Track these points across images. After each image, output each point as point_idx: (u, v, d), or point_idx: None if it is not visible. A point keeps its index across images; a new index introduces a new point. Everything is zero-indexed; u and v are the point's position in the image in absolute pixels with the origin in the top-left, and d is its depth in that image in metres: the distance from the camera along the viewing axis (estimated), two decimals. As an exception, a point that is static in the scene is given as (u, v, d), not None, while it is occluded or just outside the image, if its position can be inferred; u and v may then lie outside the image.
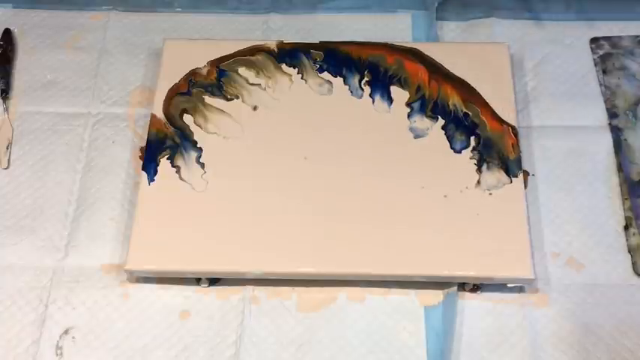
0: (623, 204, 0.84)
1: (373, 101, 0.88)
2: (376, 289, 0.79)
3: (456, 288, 0.79)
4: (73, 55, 0.96)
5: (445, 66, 0.89)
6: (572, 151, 0.87)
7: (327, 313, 0.78)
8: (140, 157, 0.87)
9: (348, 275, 0.79)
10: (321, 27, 0.98)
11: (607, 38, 0.95)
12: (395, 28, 0.98)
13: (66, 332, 0.78)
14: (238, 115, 0.87)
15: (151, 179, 0.82)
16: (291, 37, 0.95)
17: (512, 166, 0.82)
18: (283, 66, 0.90)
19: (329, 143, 0.84)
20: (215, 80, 0.89)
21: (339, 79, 0.89)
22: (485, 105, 0.86)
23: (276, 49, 0.92)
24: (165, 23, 0.99)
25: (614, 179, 0.85)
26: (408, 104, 0.87)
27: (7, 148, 0.89)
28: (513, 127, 0.85)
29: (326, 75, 0.90)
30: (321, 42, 0.92)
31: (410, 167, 0.83)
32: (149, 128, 0.86)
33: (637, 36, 0.95)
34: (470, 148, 0.84)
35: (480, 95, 0.87)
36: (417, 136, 0.85)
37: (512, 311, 0.78)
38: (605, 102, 0.91)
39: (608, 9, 0.97)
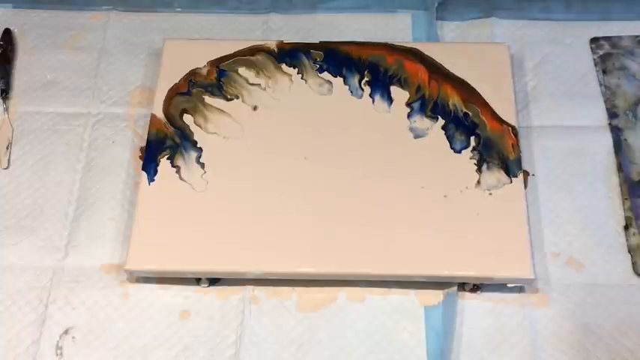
0: (623, 204, 0.84)
1: (373, 101, 0.88)
2: (376, 289, 0.79)
3: (456, 288, 0.79)
4: (73, 55, 0.96)
5: (445, 66, 0.89)
6: (572, 151, 0.87)
7: (327, 313, 0.78)
8: (140, 157, 0.87)
9: (348, 275, 0.79)
10: (321, 27, 0.98)
11: (607, 38, 0.95)
12: (395, 28, 0.98)
13: (66, 332, 0.78)
14: (238, 115, 0.87)
15: (150, 179, 0.82)
16: (291, 37, 0.95)
17: (512, 166, 0.82)
18: (283, 66, 0.90)
19: (329, 143, 0.85)
20: (215, 80, 0.89)
21: (339, 79, 0.89)
22: (485, 105, 0.86)
23: (276, 49, 0.92)
24: (165, 23, 0.99)
25: (614, 179, 0.85)
26: (408, 104, 0.87)
27: (7, 148, 0.89)
28: (513, 127, 0.85)
29: (326, 75, 0.90)
30: (321, 42, 0.92)
31: (410, 167, 0.83)
32: (149, 128, 0.86)
33: (637, 36, 0.95)
34: (470, 148, 0.84)
35: (480, 95, 0.87)
36: (417, 136, 0.85)
37: (512, 311, 0.78)
38: (605, 102, 0.91)
39: (608, 9, 0.97)
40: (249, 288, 0.80)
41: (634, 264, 0.80)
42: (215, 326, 0.78)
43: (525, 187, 0.82)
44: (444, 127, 0.85)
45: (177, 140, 0.85)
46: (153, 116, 0.87)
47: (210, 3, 1.00)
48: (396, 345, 0.76)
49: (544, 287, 0.79)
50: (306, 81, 0.89)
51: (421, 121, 0.86)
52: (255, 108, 0.87)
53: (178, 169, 0.83)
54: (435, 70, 0.89)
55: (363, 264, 0.77)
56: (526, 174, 0.85)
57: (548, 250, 0.81)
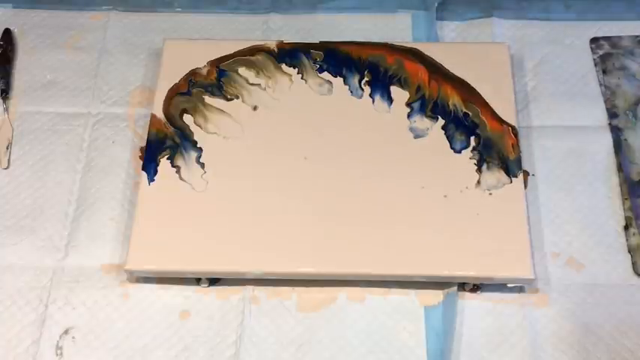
0: (623, 204, 0.84)
1: (373, 101, 0.88)
2: (376, 289, 0.79)
3: (456, 288, 0.79)
4: (73, 55, 0.96)
5: (445, 66, 0.89)
6: (572, 151, 0.87)
7: (327, 313, 0.78)
8: (140, 157, 0.87)
9: (348, 275, 0.79)
10: (321, 27, 0.98)
11: (607, 38, 0.95)
12: (395, 28, 0.98)
13: (66, 332, 0.78)
14: (238, 115, 0.87)
15: (150, 179, 0.82)
16: (291, 37, 0.95)
17: (512, 166, 0.82)
18: (283, 66, 0.90)
19: (329, 143, 0.84)
20: (215, 80, 0.89)
21: (339, 79, 0.89)
22: (485, 105, 0.86)
23: (276, 49, 0.92)
24: (165, 23, 0.99)
25: (614, 179, 0.85)
26: (408, 104, 0.87)
27: (7, 148, 0.89)
28: (513, 127, 0.85)
29: (326, 75, 0.90)
30: (321, 42, 0.92)
31: (410, 167, 0.83)
32: (149, 128, 0.86)
33: (637, 36, 0.95)
34: (470, 148, 0.84)
35: (480, 95, 0.87)
36: (417, 136, 0.85)
37: (512, 311, 0.78)
38: (605, 102, 0.91)
39: (608, 9, 0.97)
40: (249, 288, 0.80)
41: (634, 264, 0.80)
42: (215, 326, 0.78)
43: (525, 187, 0.82)
44: (444, 127, 0.85)
45: (177, 140, 0.85)
46: (153, 116, 0.87)
47: (210, 3, 1.00)
48: (396, 345, 0.76)
49: (544, 287, 0.79)
50: (306, 81, 0.89)
51: (421, 121, 0.86)
52: (255, 108, 0.87)
53: (178, 169, 0.83)
54: (435, 70, 0.89)
55: (363, 264, 0.77)
56: (526, 174, 0.85)
57: (548, 250, 0.81)
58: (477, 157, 0.83)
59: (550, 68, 0.94)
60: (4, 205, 0.85)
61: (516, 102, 0.88)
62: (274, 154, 0.84)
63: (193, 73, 0.90)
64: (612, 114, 0.90)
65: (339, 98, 0.88)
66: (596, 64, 0.94)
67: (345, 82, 0.89)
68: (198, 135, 0.85)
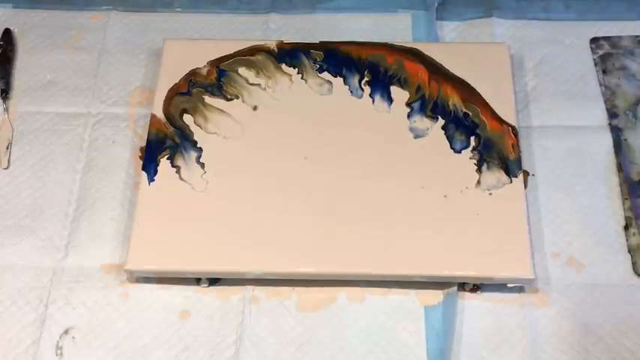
0: (623, 204, 0.84)
1: (373, 101, 0.88)
2: (376, 289, 0.79)
3: (456, 288, 0.79)
4: (73, 55, 0.96)
5: (445, 66, 0.89)
6: (572, 151, 0.87)
7: (327, 313, 0.78)
8: (140, 157, 0.87)
9: (348, 275, 0.79)
10: (321, 27, 0.98)
11: (607, 38, 0.95)
12: (395, 28, 0.98)
13: (66, 332, 0.78)
14: (238, 115, 0.87)
15: (151, 179, 0.82)
16: (291, 37, 0.95)
17: (512, 166, 0.82)
18: (283, 66, 0.90)
19: (329, 143, 0.85)
20: (215, 80, 0.89)
21: (339, 79, 0.89)
22: (485, 105, 0.86)
23: (276, 49, 0.92)
24: (165, 23, 0.99)
25: (614, 179, 0.85)
26: (408, 104, 0.87)
27: (7, 148, 0.89)
28: (513, 127, 0.85)
29: (326, 75, 0.90)
30: (321, 42, 0.92)
31: (410, 167, 0.83)
32: (149, 128, 0.86)
33: (637, 36, 0.95)
34: (470, 148, 0.84)
35: (480, 95, 0.87)
36: (417, 136, 0.85)
37: (512, 311, 0.78)
38: (605, 102, 0.91)
39: (608, 9, 0.97)
40: (249, 288, 0.80)
41: (634, 264, 0.80)
42: (215, 326, 0.78)
43: (525, 187, 0.82)
44: (444, 127, 0.85)
45: (177, 140, 0.85)
46: (153, 116, 0.87)
47: (210, 3, 1.00)
48: (396, 345, 0.76)
49: (544, 287, 0.79)
50: (306, 81, 0.89)
51: (421, 121, 0.86)
52: (255, 108, 0.87)
53: (178, 169, 0.83)
54: (435, 70, 0.89)
55: (363, 264, 0.77)
56: (526, 174, 0.85)
57: (548, 250, 0.81)
58: (477, 157, 0.83)
59: (550, 68, 0.94)
60: (4, 205, 0.85)
61: (516, 102, 0.88)
62: (274, 154, 0.84)
63: (193, 73, 0.90)
64: (612, 114, 0.90)
65: (339, 98, 0.88)
66: (596, 64, 0.94)
67: (345, 82, 0.89)
68: (198, 135, 0.85)
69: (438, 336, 0.76)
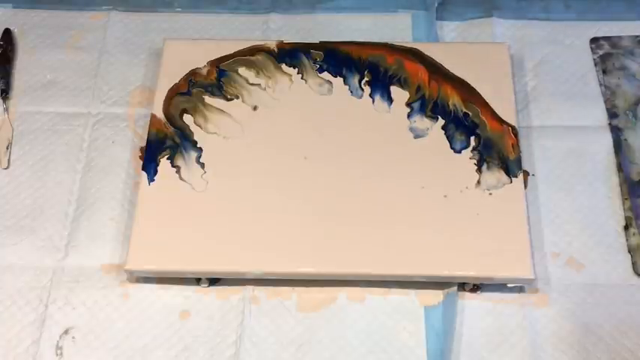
0: (623, 204, 0.84)
1: (373, 101, 0.88)
2: (376, 289, 0.79)
3: (456, 288, 0.79)
4: (73, 55, 0.96)
5: (445, 66, 0.89)
6: (572, 151, 0.87)
7: (327, 313, 0.78)
8: (140, 157, 0.87)
9: (348, 275, 0.79)
10: (321, 27, 0.98)
11: (607, 38, 0.95)
12: (395, 28, 0.98)
13: (66, 332, 0.78)
14: (238, 115, 0.87)
15: (150, 179, 0.82)
16: (291, 37, 0.95)
17: (512, 166, 0.82)
18: (283, 66, 0.90)
19: (329, 143, 0.85)
20: (215, 80, 0.89)
21: (339, 79, 0.89)
22: (485, 105, 0.86)
23: (276, 49, 0.92)
24: (165, 23, 0.99)
25: (614, 179, 0.85)
26: (408, 104, 0.87)
27: (7, 148, 0.89)
28: (513, 127, 0.85)
29: (326, 75, 0.90)
30: (321, 42, 0.92)
31: (410, 167, 0.83)
32: (149, 128, 0.86)
33: (637, 36, 0.95)
34: (470, 148, 0.84)
35: (480, 95, 0.87)
36: (417, 136, 0.85)
37: (512, 311, 0.78)
38: (605, 102, 0.91)
39: (608, 9, 0.97)
40: (249, 288, 0.80)
41: (634, 264, 0.80)
42: (215, 326, 0.78)
43: (525, 187, 0.82)
44: (444, 127, 0.85)
45: (177, 140, 0.85)
46: (153, 116, 0.87)
47: (210, 3, 1.00)
48: (396, 345, 0.76)
49: (544, 287, 0.79)
50: (306, 81, 0.89)
51: (421, 121, 0.86)
52: (255, 108, 0.87)
53: (178, 169, 0.83)
54: (435, 70, 0.89)
55: (363, 264, 0.77)
56: (526, 174, 0.85)
57: (548, 250, 0.81)
58: (477, 157, 0.83)
59: (550, 68, 0.94)
60: (4, 205, 0.85)
61: (516, 102, 0.88)
62: (274, 154, 0.84)
63: (193, 73, 0.90)
64: (612, 114, 0.90)
65: (339, 98, 0.88)
66: (596, 64, 0.94)
67: (345, 82, 0.89)
68: (198, 135, 0.85)
69: (438, 336, 0.76)
